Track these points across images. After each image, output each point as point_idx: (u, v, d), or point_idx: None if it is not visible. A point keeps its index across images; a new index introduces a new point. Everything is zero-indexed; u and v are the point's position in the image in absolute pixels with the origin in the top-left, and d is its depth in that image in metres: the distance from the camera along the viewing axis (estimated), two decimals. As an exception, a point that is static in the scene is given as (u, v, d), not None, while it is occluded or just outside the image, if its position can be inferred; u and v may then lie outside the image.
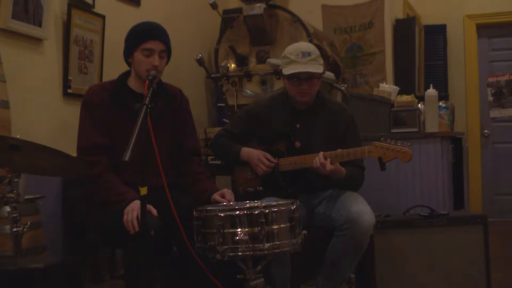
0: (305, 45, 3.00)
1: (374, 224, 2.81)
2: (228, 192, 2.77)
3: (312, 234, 2.56)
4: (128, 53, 2.74)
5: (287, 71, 2.90)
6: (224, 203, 2.66)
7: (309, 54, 2.89)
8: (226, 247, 2.28)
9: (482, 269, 3.18)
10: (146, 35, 2.69)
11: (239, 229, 2.29)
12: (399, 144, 2.68)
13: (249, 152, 3.02)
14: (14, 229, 2.39)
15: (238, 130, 3.14)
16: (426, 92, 4.10)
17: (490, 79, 6.32)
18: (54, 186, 3.27)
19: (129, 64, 2.79)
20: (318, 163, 2.77)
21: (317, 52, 2.94)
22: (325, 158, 2.76)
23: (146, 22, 2.81)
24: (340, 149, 2.80)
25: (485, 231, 3.21)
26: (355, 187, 2.99)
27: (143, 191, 2.14)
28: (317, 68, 2.89)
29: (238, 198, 2.84)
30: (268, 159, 2.97)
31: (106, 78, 3.66)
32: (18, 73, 3.13)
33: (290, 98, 3.03)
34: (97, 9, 3.79)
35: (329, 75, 3.77)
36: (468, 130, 6.32)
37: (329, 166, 2.74)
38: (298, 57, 2.88)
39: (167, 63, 2.80)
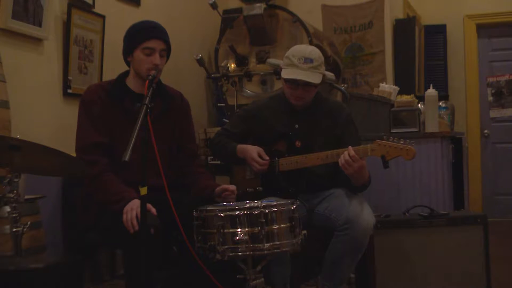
0: (310, 50, 2.94)
1: (374, 224, 2.81)
2: (232, 186, 2.76)
3: (312, 234, 2.55)
4: (128, 52, 2.73)
5: (285, 74, 2.90)
6: (224, 203, 2.65)
7: (311, 60, 2.86)
8: (226, 247, 2.28)
9: (482, 269, 3.18)
10: (147, 34, 2.68)
11: (239, 229, 2.28)
12: (401, 142, 2.67)
13: (244, 149, 3.01)
14: (14, 229, 2.39)
15: (238, 129, 3.14)
16: (426, 92, 4.09)
17: (490, 79, 6.32)
18: (54, 186, 3.27)
19: (127, 63, 2.79)
20: (347, 157, 2.68)
21: (320, 59, 2.91)
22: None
23: (145, 21, 2.79)
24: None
25: (485, 231, 3.21)
26: (365, 189, 2.94)
27: (143, 191, 2.14)
28: (315, 77, 2.87)
29: (238, 198, 2.83)
30: (261, 157, 2.95)
31: (106, 78, 3.66)
32: (18, 73, 3.14)
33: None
34: (97, 9, 3.79)
35: (329, 75, 3.77)
36: (468, 130, 6.32)
37: (359, 161, 2.68)
38: (300, 61, 2.86)
39: (166, 62, 2.80)
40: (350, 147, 2.73)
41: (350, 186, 2.89)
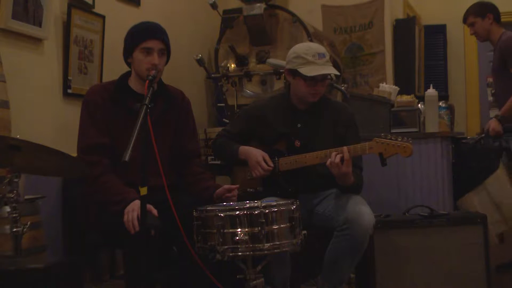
0: (317, 46, 2.98)
1: (374, 224, 2.80)
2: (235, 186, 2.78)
3: (312, 234, 2.55)
4: (128, 53, 2.74)
5: (307, 72, 2.86)
6: (224, 203, 2.66)
7: (323, 55, 2.89)
8: (226, 247, 2.28)
9: (482, 269, 3.18)
10: (144, 35, 2.69)
11: (239, 229, 2.28)
12: (399, 140, 2.68)
13: (248, 151, 3.00)
14: (14, 229, 2.39)
15: (238, 130, 3.14)
16: (426, 92, 4.09)
17: (490, 79, 6.30)
18: (54, 186, 3.27)
19: (128, 64, 2.79)
20: (336, 160, 2.71)
21: (328, 53, 2.96)
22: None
23: (144, 22, 2.80)
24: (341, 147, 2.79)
25: (485, 231, 3.21)
26: (358, 192, 2.95)
27: (143, 191, 2.14)
28: (334, 70, 2.91)
29: (238, 198, 2.83)
30: (267, 163, 2.95)
31: (106, 78, 3.66)
32: (18, 73, 3.14)
33: (291, 98, 3.02)
34: (97, 9, 3.79)
35: (330, 74, 3.78)
36: (468, 130, 6.32)
37: (343, 168, 2.71)
38: (315, 58, 2.86)
39: (167, 62, 2.80)
40: (345, 148, 2.73)
41: (339, 187, 2.90)
